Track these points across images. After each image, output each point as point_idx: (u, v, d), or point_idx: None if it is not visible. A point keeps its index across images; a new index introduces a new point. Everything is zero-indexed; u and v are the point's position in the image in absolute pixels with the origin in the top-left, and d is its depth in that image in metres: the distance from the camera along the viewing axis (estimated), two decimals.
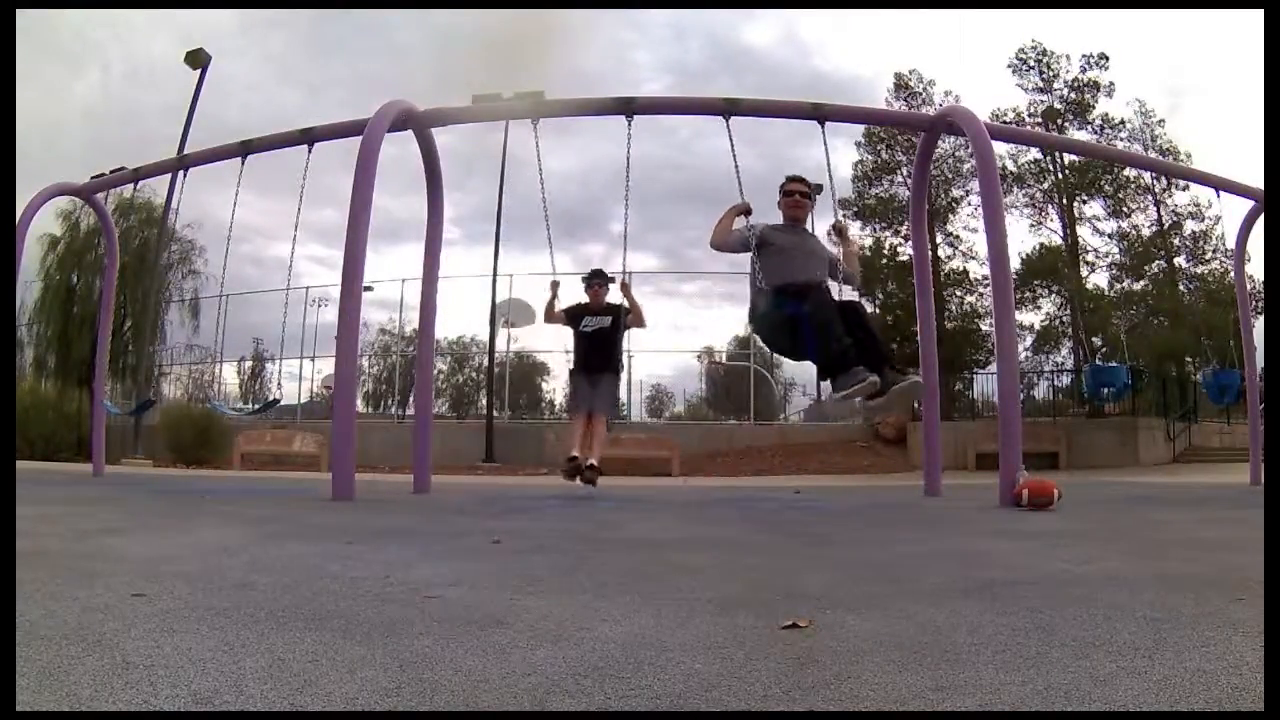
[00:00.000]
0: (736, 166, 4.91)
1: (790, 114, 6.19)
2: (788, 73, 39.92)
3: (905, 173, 15.41)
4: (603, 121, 6.20)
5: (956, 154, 15.59)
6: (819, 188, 5.39)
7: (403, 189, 12.95)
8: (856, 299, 4.42)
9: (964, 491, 6.03)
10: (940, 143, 8.97)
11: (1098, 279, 17.37)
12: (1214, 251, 16.02)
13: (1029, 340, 17.45)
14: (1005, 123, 15.50)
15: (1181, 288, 16.71)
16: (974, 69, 36.73)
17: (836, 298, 4.15)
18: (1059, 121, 16.72)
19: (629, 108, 5.61)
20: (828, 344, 3.80)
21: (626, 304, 5.80)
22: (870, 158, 17.01)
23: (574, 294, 6.05)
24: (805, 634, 1.36)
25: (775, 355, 20.98)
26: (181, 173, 7.25)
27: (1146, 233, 16.92)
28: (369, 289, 13.24)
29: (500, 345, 16.50)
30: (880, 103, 16.78)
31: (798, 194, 4.45)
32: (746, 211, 4.42)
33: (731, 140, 5.41)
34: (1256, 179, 6.54)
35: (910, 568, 2.23)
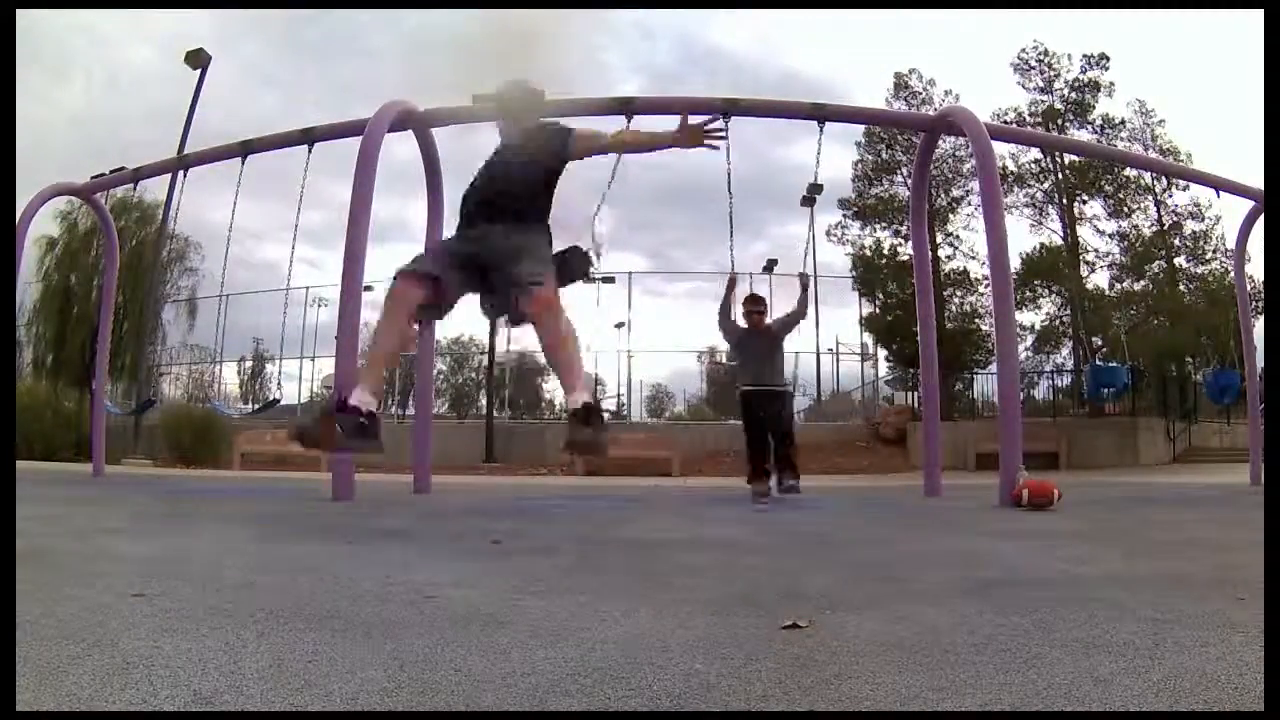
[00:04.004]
0: (729, 170, 5.65)
1: (790, 114, 6.19)
2: (760, 72, 40.04)
3: (905, 173, 15.40)
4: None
5: (956, 154, 15.56)
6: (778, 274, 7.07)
7: (391, 189, 12.95)
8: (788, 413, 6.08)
9: (964, 491, 6.03)
10: (940, 143, 8.97)
11: (1098, 279, 17.36)
12: (1214, 251, 16.00)
13: (1029, 340, 17.43)
14: (1006, 123, 15.49)
15: (1181, 288, 16.69)
16: (974, 69, 36.73)
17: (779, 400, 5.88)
18: (1059, 121, 16.72)
19: (628, 108, 5.61)
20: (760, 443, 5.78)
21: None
22: (870, 157, 16.99)
23: None
24: (805, 634, 1.36)
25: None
26: (181, 173, 7.26)
27: (1146, 233, 16.90)
28: (369, 289, 13.22)
29: (500, 345, 16.49)
30: (862, 99, 16.75)
31: (755, 314, 5.90)
32: (735, 283, 5.87)
33: (728, 141, 5.45)
34: (1256, 179, 6.54)
35: (910, 568, 2.23)
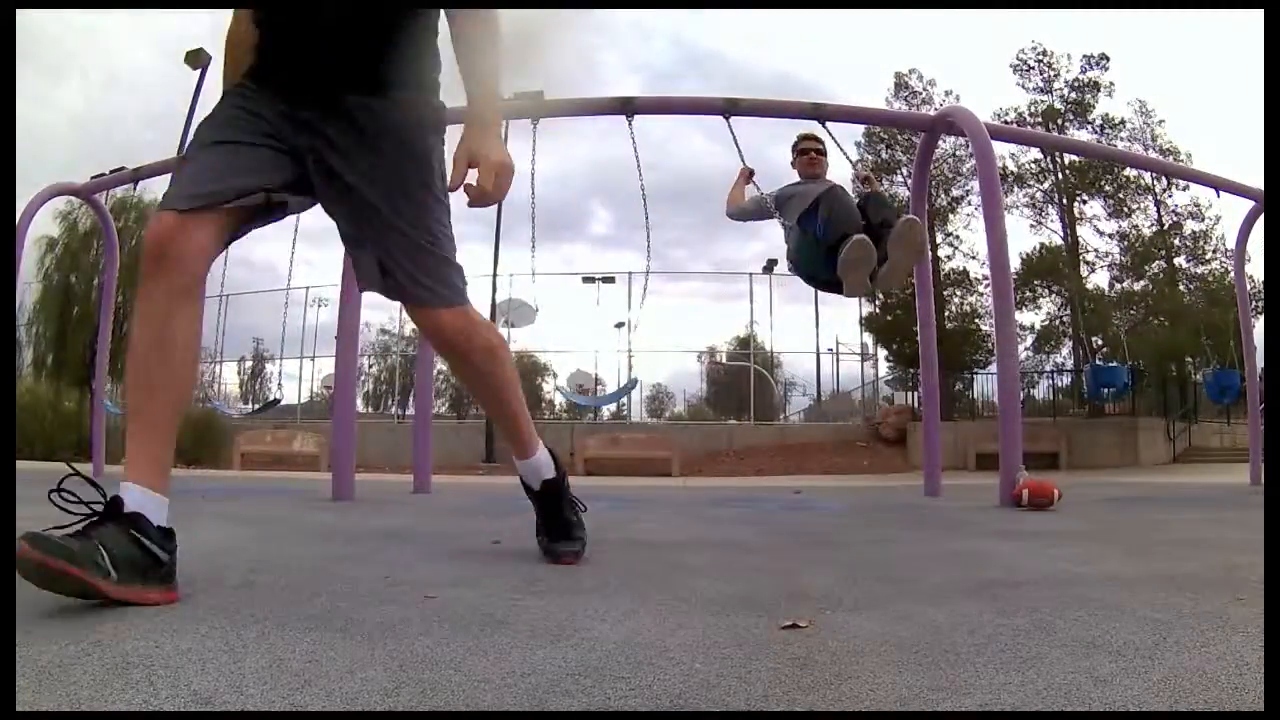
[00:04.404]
0: (749, 168, 5.11)
1: (790, 114, 6.18)
2: (753, 72, 40.19)
3: (905, 173, 15.42)
4: (578, 122, 6.25)
5: (956, 154, 15.59)
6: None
7: None
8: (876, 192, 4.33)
9: (964, 491, 6.03)
10: (940, 143, 8.97)
11: (1098, 279, 17.39)
12: (1214, 251, 16.03)
13: (1029, 340, 17.46)
14: (1006, 123, 15.49)
15: (1181, 288, 16.71)
16: (974, 69, 36.80)
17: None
18: (1059, 121, 16.73)
19: (629, 107, 5.61)
20: (828, 226, 3.83)
21: None
22: (870, 157, 17.01)
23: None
24: (805, 634, 1.36)
25: (776, 355, 21.10)
26: None
27: (1146, 233, 16.92)
28: None
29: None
30: (861, 101, 16.77)
31: (813, 151, 4.43)
32: (751, 175, 4.51)
33: (736, 139, 5.44)
34: (1256, 179, 6.54)
35: (910, 568, 2.23)
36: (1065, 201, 17.06)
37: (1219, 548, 2.60)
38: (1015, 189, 16.72)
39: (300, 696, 1.01)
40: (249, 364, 22.39)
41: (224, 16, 1.85)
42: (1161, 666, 1.14)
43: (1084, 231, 17.12)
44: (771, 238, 43.54)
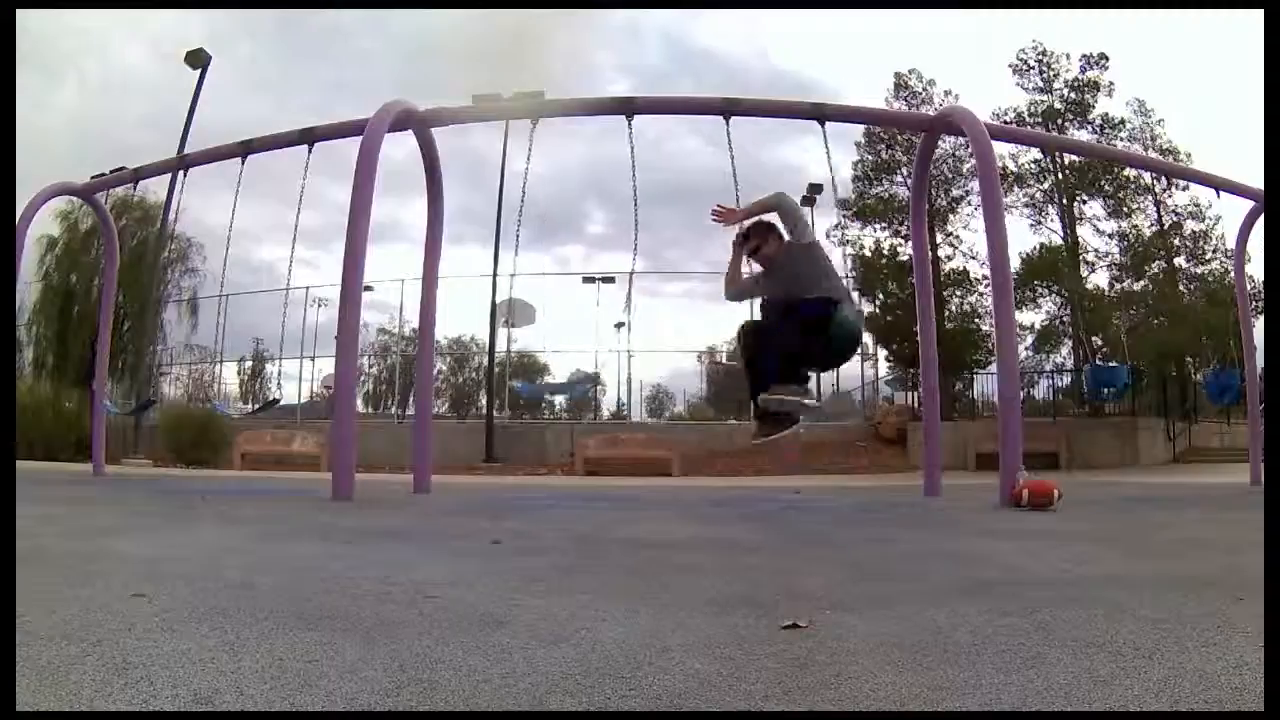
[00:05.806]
0: (734, 169, 5.26)
1: (790, 114, 6.19)
2: (747, 71, 40.10)
3: (905, 173, 15.42)
4: (575, 123, 6.29)
5: (956, 154, 15.57)
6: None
7: (391, 189, 12.96)
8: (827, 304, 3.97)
9: (964, 491, 6.03)
10: (940, 143, 8.97)
11: (1098, 279, 17.38)
12: (1214, 251, 16.03)
13: (1029, 340, 17.43)
14: (1006, 123, 15.48)
15: (1181, 288, 16.70)
16: (974, 69, 36.72)
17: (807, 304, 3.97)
18: (1059, 121, 16.72)
19: (629, 108, 5.62)
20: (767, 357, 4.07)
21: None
22: (870, 158, 17.00)
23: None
24: (805, 634, 1.36)
25: None
26: (181, 173, 7.26)
27: (1146, 233, 16.91)
28: (369, 289, 13.21)
29: (500, 345, 16.48)
30: (845, 97, 16.74)
31: (758, 250, 4.21)
32: (745, 240, 4.24)
33: (730, 141, 5.46)
34: (1256, 179, 6.54)
35: (910, 568, 2.23)
36: (1065, 201, 17.05)
37: (1219, 548, 2.60)
38: (1015, 189, 16.71)
39: (300, 696, 1.01)
40: (249, 364, 22.38)
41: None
42: (1161, 666, 1.14)
43: (1084, 231, 17.12)
44: None
